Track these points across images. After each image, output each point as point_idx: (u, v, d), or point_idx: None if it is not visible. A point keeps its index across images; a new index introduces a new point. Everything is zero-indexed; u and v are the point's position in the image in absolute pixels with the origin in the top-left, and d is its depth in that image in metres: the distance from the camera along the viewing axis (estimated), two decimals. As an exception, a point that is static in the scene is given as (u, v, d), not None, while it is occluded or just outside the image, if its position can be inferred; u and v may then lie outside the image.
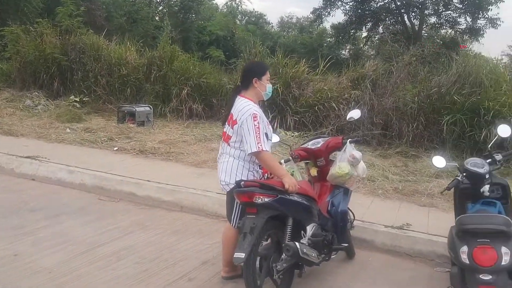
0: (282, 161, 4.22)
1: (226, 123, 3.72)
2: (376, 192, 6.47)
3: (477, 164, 3.86)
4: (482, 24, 25.96)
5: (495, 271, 2.94)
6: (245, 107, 3.55)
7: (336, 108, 9.82)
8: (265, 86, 3.72)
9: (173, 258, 4.32)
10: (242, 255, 3.19)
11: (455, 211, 4.14)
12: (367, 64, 10.27)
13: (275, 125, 10.05)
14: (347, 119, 4.53)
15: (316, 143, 4.34)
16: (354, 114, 4.50)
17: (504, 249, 2.99)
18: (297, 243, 3.42)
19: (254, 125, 3.47)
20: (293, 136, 9.66)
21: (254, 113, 3.50)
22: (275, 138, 4.37)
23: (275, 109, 10.30)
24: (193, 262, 4.27)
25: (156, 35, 21.52)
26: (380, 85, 10.04)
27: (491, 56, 10.05)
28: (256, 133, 3.46)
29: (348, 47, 36.49)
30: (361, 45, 33.32)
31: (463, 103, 9.05)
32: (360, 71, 10.12)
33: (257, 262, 3.41)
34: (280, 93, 10.15)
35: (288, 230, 3.53)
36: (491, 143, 4.12)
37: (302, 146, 4.43)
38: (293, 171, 4.22)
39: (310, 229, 3.70)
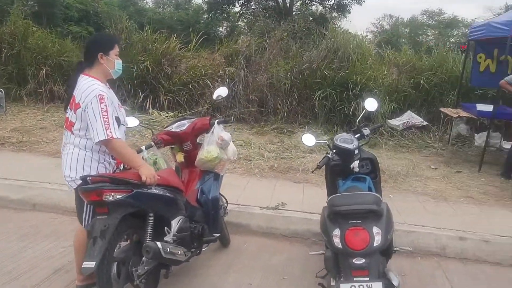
0: (143, 147, 3.72)
1: (69, 108, 3.10)
2: (253, 172, 6.25)
3: (346, 140, 3.74)
4: (348, 0, 27.25)
5: (367, 253, 2.80)
6: (89, 88, 2.97)
7: (211, 86, 9.43)
8: (114, 62, 3.15)
9: (18, 269, 3.64)
10: (91, 264, 2.67)
11: (327, 189, 4.01)
12: (240, 40, 10.00)
13: (147, 105, 9.40)
14: (214, 98, 4.14)
15: (181, 126, 3.89)
16: (222, 92, 4.13)
17: (375, 229, 2.85)
18: (158, 243, 2.98)
19: (101, 108, 2.92)
20: (167, 116, 9.11)
21: (100, 94, 2.94)
22: (133, 122, 3.84)
23: (147, 88, 9.63)
24: (43, 271, 3.63)
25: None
26: (254, 61, 9.85)
27: (357, 32, 10.42)
28: (103, 117, 2.91)
29: (225, 24, 36.18)
30: (236, 21, 33.18)
31: (333, 78, 9.21)
32: (234, 47, 9.81)
33: (114, 268, 2.92)
34: (151, 71, 9.48)
35: (149, 228, 3.07)
36: (359, 118, 4.03)
37: (165, 129, 3.95)
38: (156, 159, 3.74)
39: (175, 223, 3.27)
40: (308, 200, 5.18)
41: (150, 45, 9.86)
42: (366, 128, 3.98)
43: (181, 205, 3.38)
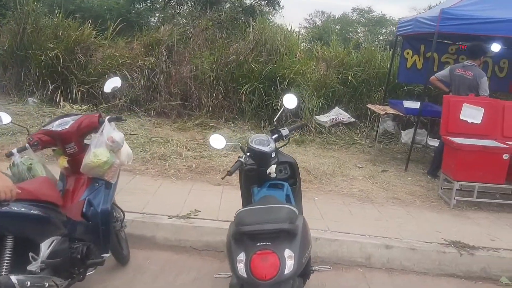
0: (14, 150, 3.01)
1: None
2: (167, 173, 5.61)
3: (262, 142, 3.22)
4: (279, -7, 27.00)
5: (277, 283, 2.29)
6: None
7: (130, 77, 8.66)
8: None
9: None
10: None
11: (242, 198, 3.48)
12: (161, 29, 9.25)
13: (58, 97, 8.45)
14: (106, 90, 3.47)
15: (63, 124, 3.19)
16: (114, 82, 3.46)
17: (288, 252, 2.35)
18: (13, 276, 2.30)
19: None
20: (80, 109, 8.22)
21: None
22: (4, 119, 3.12)
23: (57, 79, 8.67)
24: None
25: None
26: (177, 51, 9.16)
27: (286, 26, 9.99)
28: None
29: (157, 15, 34.81)
30: (162, 9, 31.93)
31: (260, 72, 8.75)
32: (154, 35, 9.06)
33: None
34: (62, 60, 8.53)
35: (7, 255, 2.38)
36: (276, 116, 3.52)
37: (44, 128, 3.23)
38: (30, 164, 3.04)
39: (46, 247, 2.60)
40: (226, 206, 4.64)
41: (61, 32, 8.88)
42: (285, 128, 3.49)
43: (56, 224, 2.71)
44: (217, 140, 3.15)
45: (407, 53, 8.11)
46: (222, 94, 8.82)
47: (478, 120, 5.57)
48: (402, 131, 8.58)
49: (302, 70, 8.78)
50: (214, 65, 8.83)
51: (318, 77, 8.94)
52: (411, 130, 8.46)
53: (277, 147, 3.38)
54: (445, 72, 6.66)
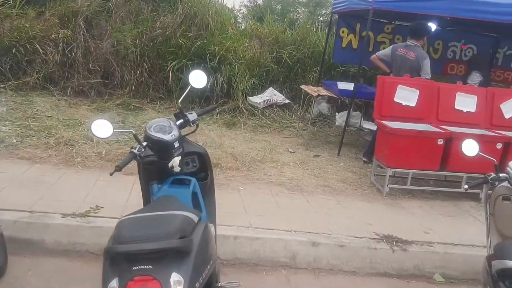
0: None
1: None
2: (73, 161, 4.89)
3: (163, 128, 2.63)
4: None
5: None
6: None
7: (42, 51, 7.68)
8: None
9: None
10: None
11: (143, 198, 2.89)
12: (79, -2, 8.28)
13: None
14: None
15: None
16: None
17: (175, 277, 1.79)
18: None
19: None
20: (-17, 87, 7.21)
21: None
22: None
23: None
24: None
25: None
26: (97, 24, 8.25)
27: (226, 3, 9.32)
28: None
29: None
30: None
31: (189, 48, 8.06)
32: (70, 5, 8.08)
33: None
34: (-41, 31, 7.42)
35: None
36: (181, 97, 2.92)
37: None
38: None
39: None
40: (135, 201, 3.97)
41: (-42, -3, 7.73)
42: (192, 112, 2.91)
43: None
44: (102, 127, 2.50)
45: (343, 32, 7.71)
46: (147, 71, 8.05)
47: (413, 103, 5.24)
48: (336, 114, 8.23)
49: (234, 47, 8.18)
50: (138, 40, 8.02)
51: (251, 55, 8.37)
52: (346, 113, 8.14)
53: (183, 134, 2.80)
54: (387, 51, 6.30)
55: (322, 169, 5.66)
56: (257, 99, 8.13)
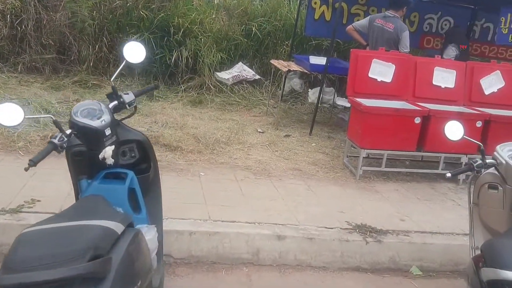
0: None
1: None
2: (14, 146, 4.35)
3: (91, 113, 2.17)
4: None
5: None
6: None
7: (-12, 24, 6.98)
8: None
9: None
10: None
11: (75, 195, 2.42)
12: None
13: None
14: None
15: None
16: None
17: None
18: None
19: None
20: None
21: None
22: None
23: None
24: None
25: None
26: (50, -6, 7.55)
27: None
28: None
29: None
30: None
31: (152, 20, 7.45)
32: (19, -27, 7.36)
33: None
34: None
35: None
36: (114, 75, 2.43)
37: None
38: None
39: None
40: (79, 190, 3.53)
41: None
42: (129, 92, 2.44)
43: None
44: (11, 113, 2.02)
45: (315, 3, 7.20)
46: (107, 46, 7.44)
47: (388, 79, 4.84)
48: (309, 90, 7.81)
49: (200, 19, 7.60)
50: (95, 12, 7.37)
51: (218, 28, 7.81)
52: (319, 89, 7.73)
53: (118, 119, 2.34)
54: (363, 21, 5.86)
55: (292, 150, 5.25)
56: (226, 75, 7.62)
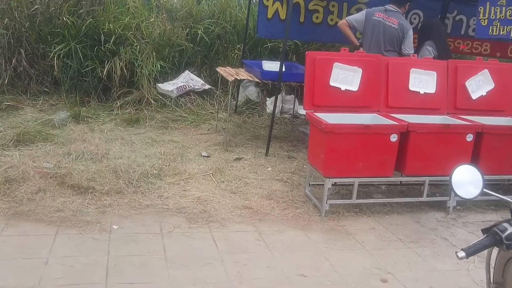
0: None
1: None
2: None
3: None
4: None
5: None
6: None
7: None
8: None
9: None
10: None
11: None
12: None
13: None
14: None
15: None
16: None
17: None
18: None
19: None
20: None
21: None
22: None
23: None
24: None
25: None
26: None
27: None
28: None
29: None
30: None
31: (79, 27, 6.23)
32: None
33: None
34: None
35: None
36: None
37: None
38: None
39: None
40: None
41: None
42: None
43: None
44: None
45: (267, 0, 6.12)
46: (26, 59, 6.19)
47: (354, 86, 3.79)
48: (267, 99, 6.75)
49: (136, 23, 6.43)
50: (7, 20, 6.11)
51: (159, 33, 6.65)
52: (279, 97, 6.68)
53: None
54: (359, 16, 4.80)
55: (243, 179, 4.14)
56: (169, 86, 6.47)
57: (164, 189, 3.81)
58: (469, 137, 3.64)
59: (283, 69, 5.17)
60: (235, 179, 4.12)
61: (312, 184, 3.92)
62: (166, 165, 4.23)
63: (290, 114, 6.39)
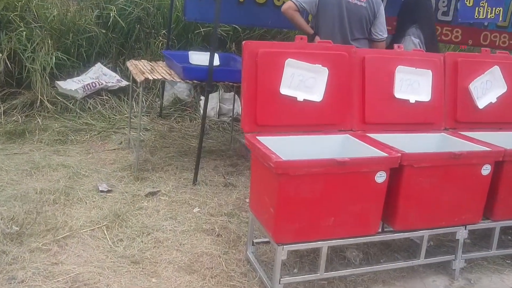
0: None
1: None
2: None
3: None
4: None
5: None
6: None
7: None
8: None
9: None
10: None
11: None
12: None
13: None
14: None
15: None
16: None
17: None
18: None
19: None
20: None
21: None
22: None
23: None
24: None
25: None
26: None
27: None
28: None
29: None
30: None
31: None
32: None
33: None
34: None
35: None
36: None
37: None
38: None
39: None
40: None
41: None
42: None
43: None
44: None
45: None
46: None
47: (317, 95, 2.39)
48: (202, 98, 5.26)
49: (24, 3, 4.71)
50: None
51: (59, 17, 4.96)
52: (215, 95, 5.24)
53: None
54: None
55: (154, 234, 2.67)
56: (73, 85, 4.83)
57: (21, 262, 2.28)
58: (486, 170, 2.37)
59: (218, 63, 3.75)
60: (142, 234, 2.65)
61: (257, 243, 2.52)
62: (35, 215, 2.68)
63: (230, 116, 4.96)
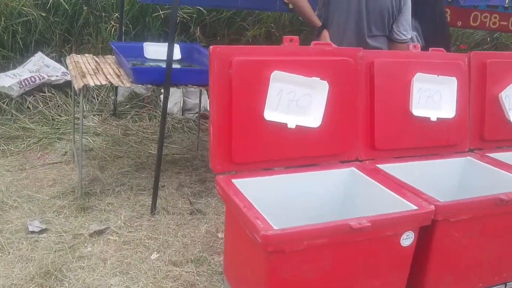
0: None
1: None
2: None
3: None
4: None
5: None
6: None
7: None
8: None
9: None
10: None
11: None
12: None
13: None
14: None
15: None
16: None
17: None
18: None
19: None
20: None
21: None
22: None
23: None
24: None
25: None
26: None
27: None
28: None
29: None
30: None
31: None
32: None
33: None
34: None
35: None
36: None
37: None
38: None
39: None
40: None
41: None
42: None
43: None
44: None
45: None
46: None
47: (315, 120, 1.69)
48: (162, 91, 4.45)
49: None
50: None
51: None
52: (177, 91, 4.47)
53: None
54: None
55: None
56: (8, 80, 3.93)
57: None
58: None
59: (179, 57, 3.01)
60: (82, 301, 1.93)
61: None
62: None
63: (197, 112, 4.21)
